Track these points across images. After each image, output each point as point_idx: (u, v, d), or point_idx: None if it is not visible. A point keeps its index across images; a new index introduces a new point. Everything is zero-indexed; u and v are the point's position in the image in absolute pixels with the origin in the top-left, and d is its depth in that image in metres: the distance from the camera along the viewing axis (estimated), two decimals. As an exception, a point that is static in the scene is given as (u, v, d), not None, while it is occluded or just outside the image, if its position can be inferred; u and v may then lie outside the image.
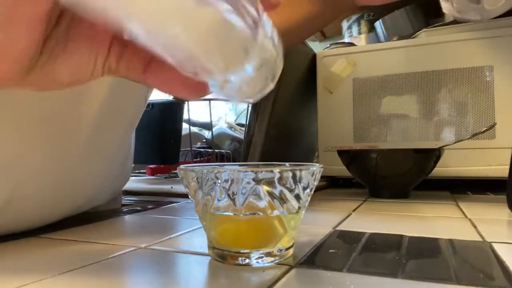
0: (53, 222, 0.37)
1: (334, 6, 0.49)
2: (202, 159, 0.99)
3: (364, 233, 0.33)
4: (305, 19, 0.49)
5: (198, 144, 1.09)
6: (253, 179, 0.23)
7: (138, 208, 0.49)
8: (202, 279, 0.23)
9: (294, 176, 0.23)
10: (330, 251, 0.28)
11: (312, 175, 0.24)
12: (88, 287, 0.21)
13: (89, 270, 0.24)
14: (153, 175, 0.91)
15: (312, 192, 0.25)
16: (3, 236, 0.33)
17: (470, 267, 0.24)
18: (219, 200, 0.24)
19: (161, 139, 0.82)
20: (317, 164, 0.26)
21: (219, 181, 0.23)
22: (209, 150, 0.98)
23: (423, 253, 0.27)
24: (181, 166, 0.26)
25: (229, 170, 0.24)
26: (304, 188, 0.24)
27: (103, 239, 0.32)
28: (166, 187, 0.68)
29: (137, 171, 1.00)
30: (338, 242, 0.30)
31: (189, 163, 0.93)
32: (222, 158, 0.96)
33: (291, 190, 0.23)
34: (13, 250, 0.29)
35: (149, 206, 0.50)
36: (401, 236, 0.32)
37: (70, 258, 0.27)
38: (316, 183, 0.25)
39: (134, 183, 0.77)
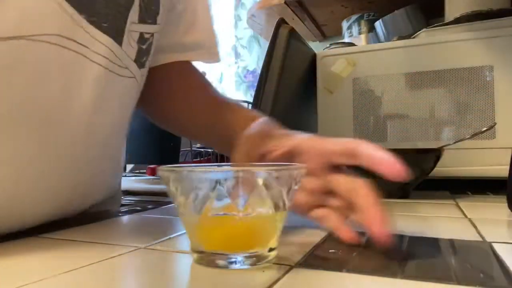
0: (49, 222, 0.37)
1: None
2: (202, 159, 0.99)
3: (364, 233, 0.33)
4: None
5: (198, 144, 1.08)
6: (250, 179, 0.23)
7: (138, 208, 0.49)
8: (202, 279, 0.23)
9: (290, 176, 0.23)
10: (330, 251, 0.28)
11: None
12: (88, 287, 0.21)
13: (89, 270, 0.24)
14: (153, 175, 0.91)
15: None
16: (3, 236, 0.33)
17: (470, 267, 0.24)
18: (216, 201, 0.24)
19: (161, 139, 0.82)
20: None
21: (217, 182, 0.23)
22: (209, 150, 0.98)
23: (423, 253, 0.27)
24: (162, 167, 0.25)
25: (226, 170, 0.24)
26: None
27: (103, 239, 0.32)
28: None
29: (137, 171, 1.00)
30: (338, 242, 0.30)
31: (189, 163, 0.93)
32: (222, 158, 0.96)
33: (286, 190, 0.24)
34: (13, 250, 0.29)
35: (149, 206, 0.50)
36: (401, 236, 0.32)
37: (70, 258, 0.27)
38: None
39: (134, 183, 0.77)
